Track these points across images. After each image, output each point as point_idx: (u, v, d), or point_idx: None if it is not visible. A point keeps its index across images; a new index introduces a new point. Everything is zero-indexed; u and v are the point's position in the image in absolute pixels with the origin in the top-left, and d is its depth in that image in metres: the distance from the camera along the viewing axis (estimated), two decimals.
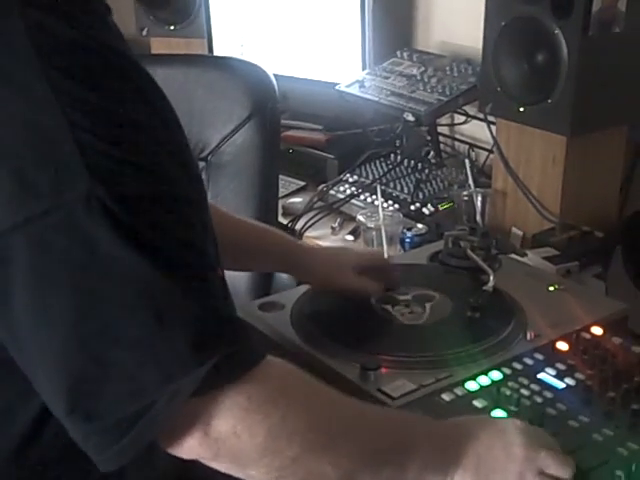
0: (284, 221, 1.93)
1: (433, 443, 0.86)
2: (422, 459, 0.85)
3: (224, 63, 1.93)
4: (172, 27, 2.48)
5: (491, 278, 1.23)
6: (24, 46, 0.71)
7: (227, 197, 1.66)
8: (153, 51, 2.51)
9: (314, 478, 0.80)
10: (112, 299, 0.72)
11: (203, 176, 1.62)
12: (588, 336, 1.12)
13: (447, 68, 2.01)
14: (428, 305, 1.19)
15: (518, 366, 1.06)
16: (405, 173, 1.99)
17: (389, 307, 1.20)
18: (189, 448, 0.77)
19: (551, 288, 1.27)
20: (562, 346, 1.10)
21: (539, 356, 1.08)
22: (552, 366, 1.06)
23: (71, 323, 0.72)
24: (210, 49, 2.41)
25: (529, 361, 1.08)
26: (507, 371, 1.05)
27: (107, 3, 0.82)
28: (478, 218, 1.72)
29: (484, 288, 1.22)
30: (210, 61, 2.05)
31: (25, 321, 0.73)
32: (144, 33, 2.50)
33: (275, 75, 1.79)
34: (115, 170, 0.72)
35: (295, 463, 0.78)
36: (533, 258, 1.48)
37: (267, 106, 1.75)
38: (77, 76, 0.72)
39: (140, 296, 0.72)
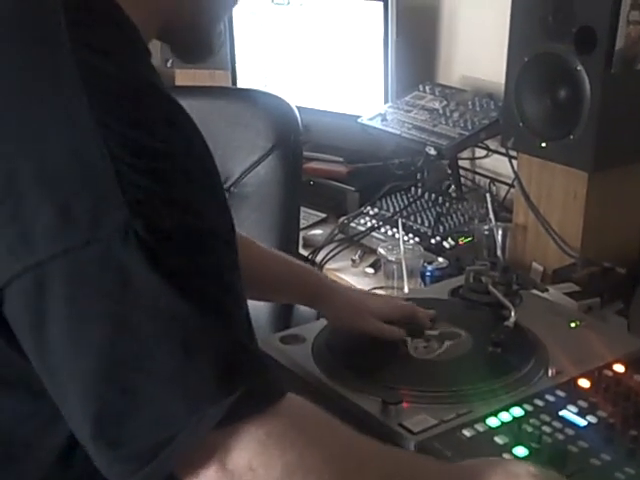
0: (305, 253, 1.94)
1: None
2: None
3: (248, 95, 1.95)
4: None
5: (512, 314, 1.23)
6: (75, 83, 0.74)
7: (249, 228, 1.67)
8: (177, 83, 2.53)
9: None
10: (143, 330, 0.73)
11: None
12: (610, 373, 1.12)
13: (469, 102, 2.02)
14: (449, 340, 1.19)
15: (540, 403, 1.06)
16: (426, 206, 1.99)
17: (410, 342, 1.20)
18: (205, 479, 0.77)
19: (572, 324, 1.27)
20: (584, 383, 1.10)
21: (561, 393, 1.08)
22: (574, 403, 1.06)
23: (101, 352, 0.73)
24: (234, 81, 2.44)
25: (551, 398, 1.07)
26: (528, 407, 1.05)
27: (148, 47, 0.86)
28: (499, 253, 1.72)
29: (505, 324, 1.22)
30: (234, 93, 2.08)
31: (57, 348, 0.74)
32: (169, 65, 2.53)
33: (298, 107, 1.81)
34: (153, 205, 0.73)
35: None
36: (554, 294, 1.48)
37: (290, 138, 1.77)
38: (121, 113, 0.74)
39: (170, 328, 0.73)
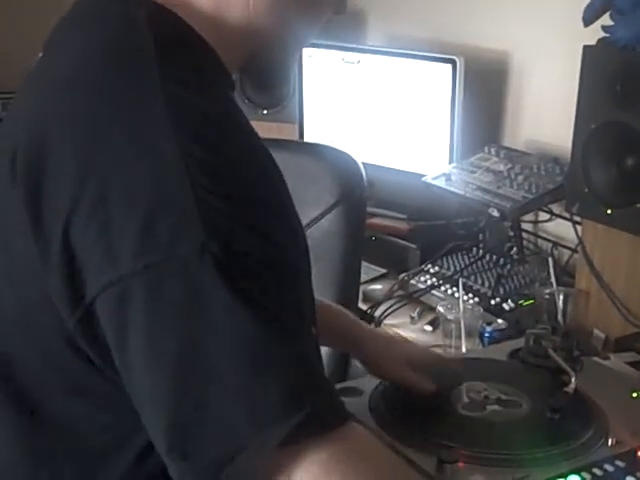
0: (364, 307, 1.95)
1: None
2: None
3: (314, 149, 1.98)
4: (265, 111, 2.56)
5: (572, 380, 1.22)
6: (161, 114, 0.79)
7: None
8: None
9: None
10: (214, 347, 0.76)
11: None
12: None
13: (534, 166, 2.03)
14: (508, 403, 1.19)
15: (598, 472, 1.04)
16: (487, 267, 1.99)
17: (468, 401, 1.19)
18: None
19: (635, 394, 1.25)
20: None
21: (620, 463, 1.06)
22: (633, 474, 1.04)
23: (175, 366, 0.77)
24: (301, 135, 2.48)
25: (609, 467, 1.05)
26: (587, 476, 1.03)
27: (233, 80, 0.93)
28: (559, 317, 1.71)
29: (565, 389, 1.21)
30: (301, 146, 2.12)
31: (136, 359, 0.78)
32: None
33: (363, 163, 1.83)
34: (229, 228, 0.78)
35: None
36: (616, 362, 1.46)
37: (355, 194, 1.79)
38: (203, 141, 0.79)
39: (239, 347, 0.77)
